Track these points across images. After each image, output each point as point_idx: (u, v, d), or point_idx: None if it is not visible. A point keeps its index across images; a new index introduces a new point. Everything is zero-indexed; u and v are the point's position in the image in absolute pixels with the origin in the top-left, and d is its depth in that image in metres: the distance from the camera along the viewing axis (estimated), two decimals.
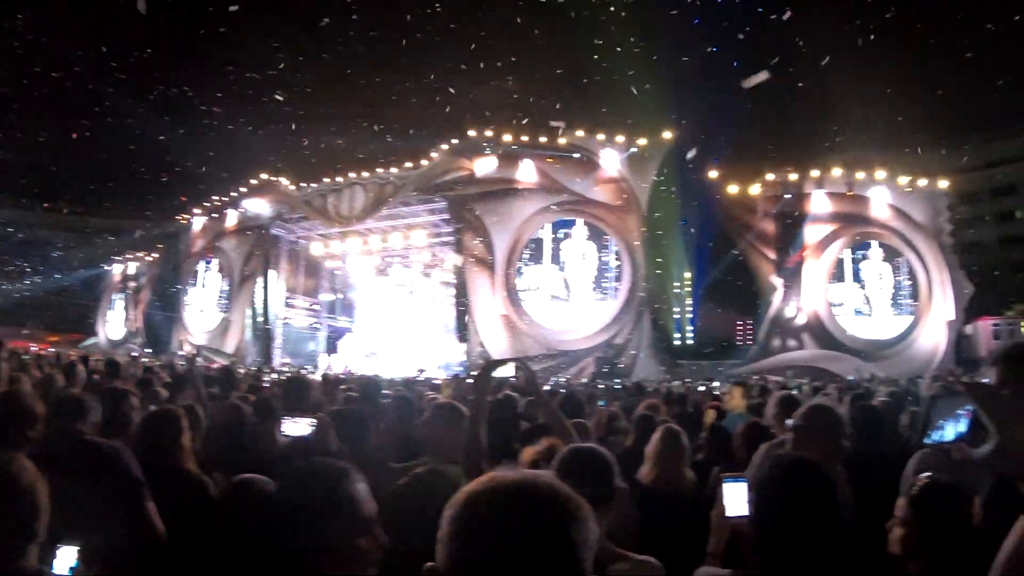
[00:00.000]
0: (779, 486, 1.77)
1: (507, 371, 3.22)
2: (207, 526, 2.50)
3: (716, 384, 13.64)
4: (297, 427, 3.16)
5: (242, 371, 13.44)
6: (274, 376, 14.03)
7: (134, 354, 21.50)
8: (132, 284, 35.17)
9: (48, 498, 1.59)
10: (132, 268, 35.37)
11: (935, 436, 1.63)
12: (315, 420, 3.15)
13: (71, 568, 1.73)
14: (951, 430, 1.60)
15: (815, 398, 6.55)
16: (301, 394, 4.60)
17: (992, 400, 1.35)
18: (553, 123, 24.60)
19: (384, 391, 6.87)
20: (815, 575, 1.66)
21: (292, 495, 1.51)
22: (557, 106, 27.36)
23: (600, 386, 14.47)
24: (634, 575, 2.00)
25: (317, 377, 12.78)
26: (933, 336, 24.35)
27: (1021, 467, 1.32)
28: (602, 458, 2.23)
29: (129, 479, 2.56)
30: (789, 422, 3.06)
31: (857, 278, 25.08)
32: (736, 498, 2.01)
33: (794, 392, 6.02)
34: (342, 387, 7.70)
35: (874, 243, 25.13)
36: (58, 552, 1.73)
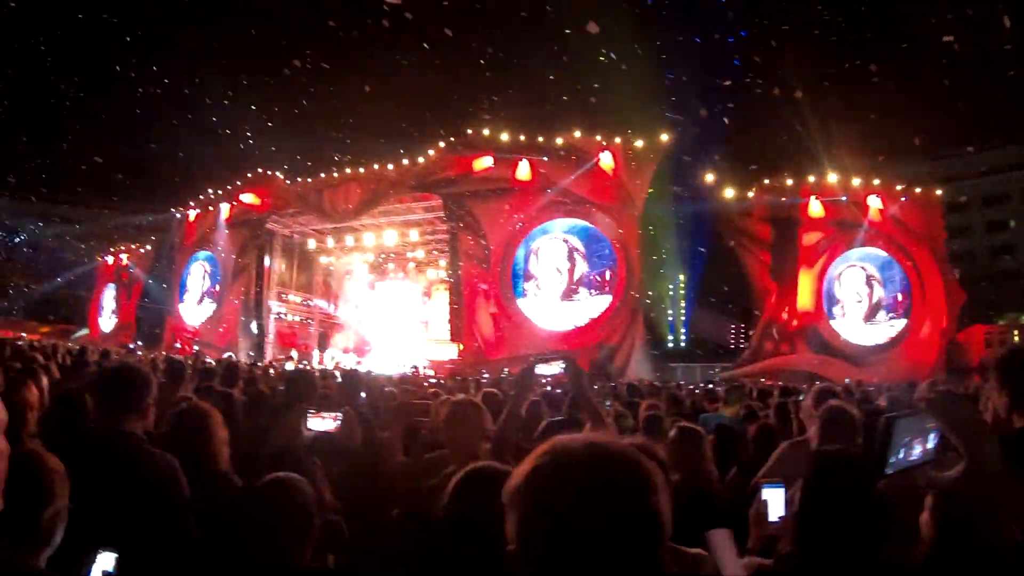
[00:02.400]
0: (826, 480, 1.81)
1: (552, 369, 3.21)
2: (235, 525, 2.43)
3: (711, 385, 13.68)
4: (322, 422, 3.15)
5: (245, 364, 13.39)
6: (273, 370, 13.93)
7: (131, 347, 21.43)
8: (124, 276, 34.97)
9: (68, 497, 1.59)
10: (124, 260, 35.16)
11: (897, 461, 1.55)
12: (340, 415, 3.10)
13: (106, 573, 1.71)
14: (918, 449, 1.51)
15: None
16: (307, 390, 4.50)
17: (956, 413, 1.27)
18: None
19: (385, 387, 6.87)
20: (857, 566, 1.71)
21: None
22: (554, 106, 27.28)
23: (594, 387, 14.46)
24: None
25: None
26: (925, 344, 24.47)
27: (994, 487, 1.25)
28: (657, 453, 2.23)
29: (177, 496, 2.45)
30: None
31: (850, 284, 25.17)
32: (775, 502, 2.07)
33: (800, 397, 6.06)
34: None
35: (867, 249, 25.23)
36: (97, 557, 1.71)
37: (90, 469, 1.93)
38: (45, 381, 4.32)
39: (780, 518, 2.02)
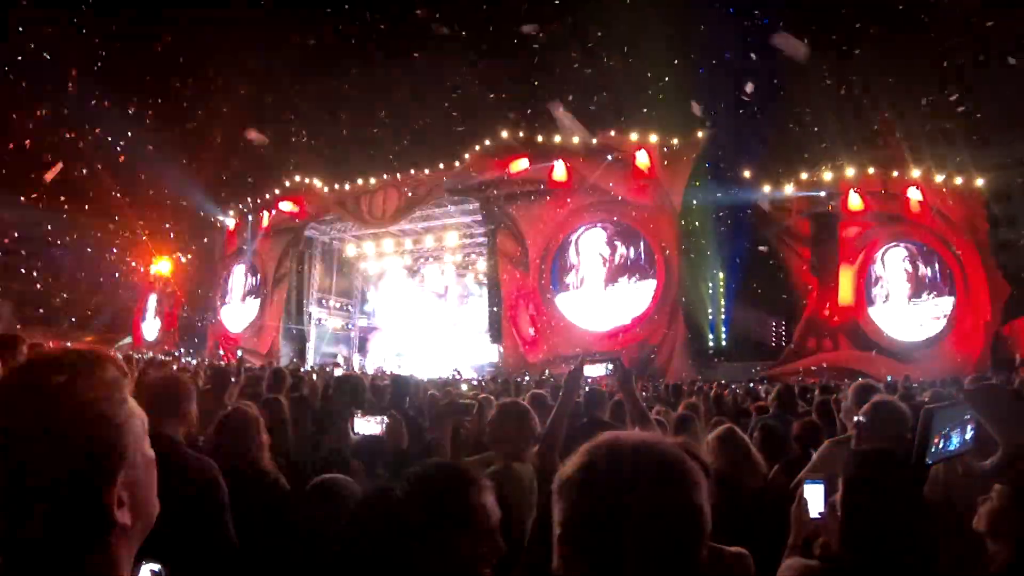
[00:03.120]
0: (869, 480, 1.80)
1: (599, 370, 3.29)
2: (283, 528, 2.53)
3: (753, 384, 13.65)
4: (369, 425, 3.20)
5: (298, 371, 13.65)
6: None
7: (176, 354, 21.91)
8: (167, 285, 35.69)
9: None
10: (166, 269, 35.89)
11: (937, 451, 1.57)
12: (386, 418, 3.17)
13: None
14: (956, 440, 1.55)
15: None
16: (355, 394, 4.64)
17: (996, 404, 1.31)
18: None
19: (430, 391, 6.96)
20: (904, 566, 1.70)
21: (418, 501, 1.40)
22: (589, 106, 27.29)
23: (642, 392, 14.51)
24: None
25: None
26: (969, 338, 24.08)
27: None
28: (699, 455, 2.32)
29: (217, 499, 2.50)
30: (858, 418, 3.04)
31: (892, 278, 24.84)
32: (815, 499, 2.09)
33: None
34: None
35: (910, 242, 24.88)
36: (141, 568, 1.76)
37: None
38: None
39: (820, 514, 2.03)
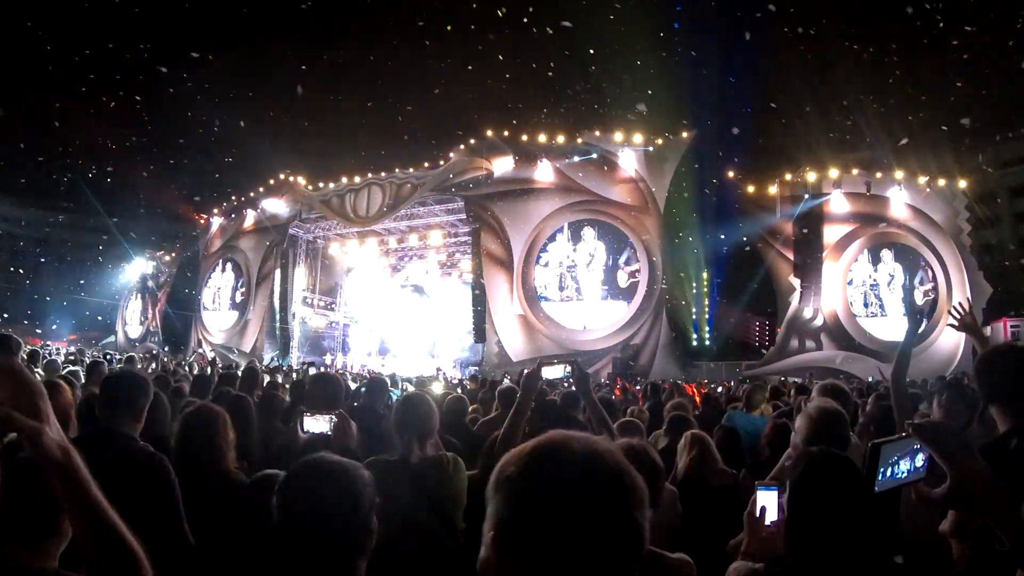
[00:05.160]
0: (811, 482, 1.79)
1: (557, 372, 3.28)
2: (239, 526, 2.50)
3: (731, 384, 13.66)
4: (316, 423, 3.18)
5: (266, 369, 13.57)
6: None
7: (154, 352, 21.70)
8: (150, 283, 35.45)
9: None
10: (150, 267, 35.66)
11: (883, 480, 1.56)
12: (334, 416, 3.15)
13: None
14: (905, 466, 1.54)
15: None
16: (331, 391, 4.53)
17: (940, 437, 1.32)
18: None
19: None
20: (847, 569, 1.69)
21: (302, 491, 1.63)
22: (574, 106, 27.29)
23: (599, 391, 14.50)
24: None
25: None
26: (951, 338, 24.19)
27: (980, 503, 1.29)
28: (653, 459, 2.30)
29: (166, 494, 2.51)
30: (797, 422, 3.02)
31: (875, 279, 24.97)
32: (769, 505, 2.06)
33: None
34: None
35: (892, 243, 25.02)
36: None
37: (91, 468, 1.95)
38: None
39: (773, 522, 2.01)
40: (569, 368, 3.20)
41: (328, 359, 27.54)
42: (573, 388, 5.59)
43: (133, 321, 35.95)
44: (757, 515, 2.06)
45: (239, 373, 7.79)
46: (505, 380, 14.45)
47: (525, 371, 3.29)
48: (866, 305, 24.86)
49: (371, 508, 1.65)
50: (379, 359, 27.67)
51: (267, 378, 8.58)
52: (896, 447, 1.49)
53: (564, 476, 0.86)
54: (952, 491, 1.31)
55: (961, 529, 1.92)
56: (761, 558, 1.95)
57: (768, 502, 2.07)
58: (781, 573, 1.78)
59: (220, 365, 16.92)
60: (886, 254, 25.05)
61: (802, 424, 2.84)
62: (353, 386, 8.22)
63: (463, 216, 26.04)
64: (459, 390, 9.76)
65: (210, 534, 2.58)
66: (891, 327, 24.40)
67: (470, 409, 5.88)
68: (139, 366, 10.47)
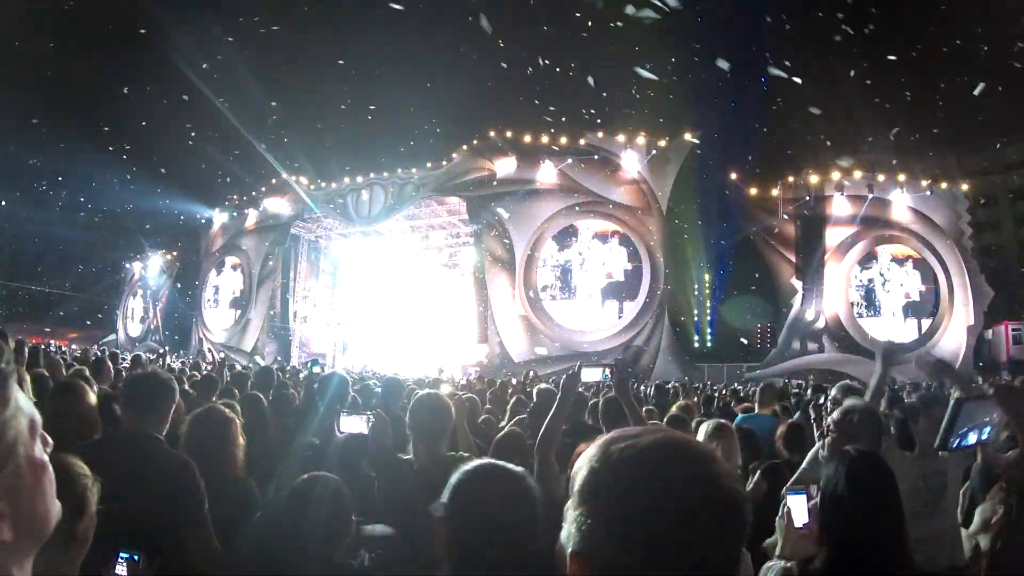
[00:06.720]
0: (847, 481, 1.78)
1: (596, 374, 3.29)
2: (251, 531, 2.51)
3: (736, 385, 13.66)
4: (353, 423, 3.20)
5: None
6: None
7: (161, 352, 21.67)
8: (151, 282, 35.44)
9: (95, 503, 1.54)
10: (152, 266, 35.64)
11: (958, 442, 1.58)
12: (371, 416, 3.16)
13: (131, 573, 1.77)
14: (973, 437, 1.56)
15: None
16: (340, 392, 4.64)
17: (1019, 403, 1.31)
18: None
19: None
20: (880, 565, 1.70)
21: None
22: (577, 108, 27.29)
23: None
24: None
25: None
26: (953, 340, 24.20)
27: None
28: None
29: (195, 499, 2.48)
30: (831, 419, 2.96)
31: (877, 281, 24.96)
32: (799, 509, 2.09)
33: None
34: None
35: (894, 246, 25.01)
36: (119, 557, 1.77)
37: (116, 470, 1.91)
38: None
39: (804, 524, 2.02)
40: (608, 371, 3.21)
41: (328, 359, 27.51)
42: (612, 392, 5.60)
43: (134, 319, 35.93)
44: (791, 521, 2.09)
45: (250, 374, 7.81)
46: (512, 380, 14.50)
47: (531, 373, 3.31)
48: (867, 307, 24.85)
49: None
50: (381, 359, 27.64)
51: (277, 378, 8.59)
52: (974, 409, 1.52)
53: (655, 472, 0.80)
54: (1020, 460, 1.31)
55: (985, 525, 1.96)
56: (794, 559, 1.96)
57: (798, 506, 2.10)
58: (814, 571, 1.79)
59: (229, 366, 16.90)
60: (887, 257, 25.02)
61: (838, 421, 2.81)
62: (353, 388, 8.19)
63: (465, 217, 26.04)
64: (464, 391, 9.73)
65: (235, 537, 2.55)
66: (892, 329, 24.39)
67: (483, 410, 5.90)
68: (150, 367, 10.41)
